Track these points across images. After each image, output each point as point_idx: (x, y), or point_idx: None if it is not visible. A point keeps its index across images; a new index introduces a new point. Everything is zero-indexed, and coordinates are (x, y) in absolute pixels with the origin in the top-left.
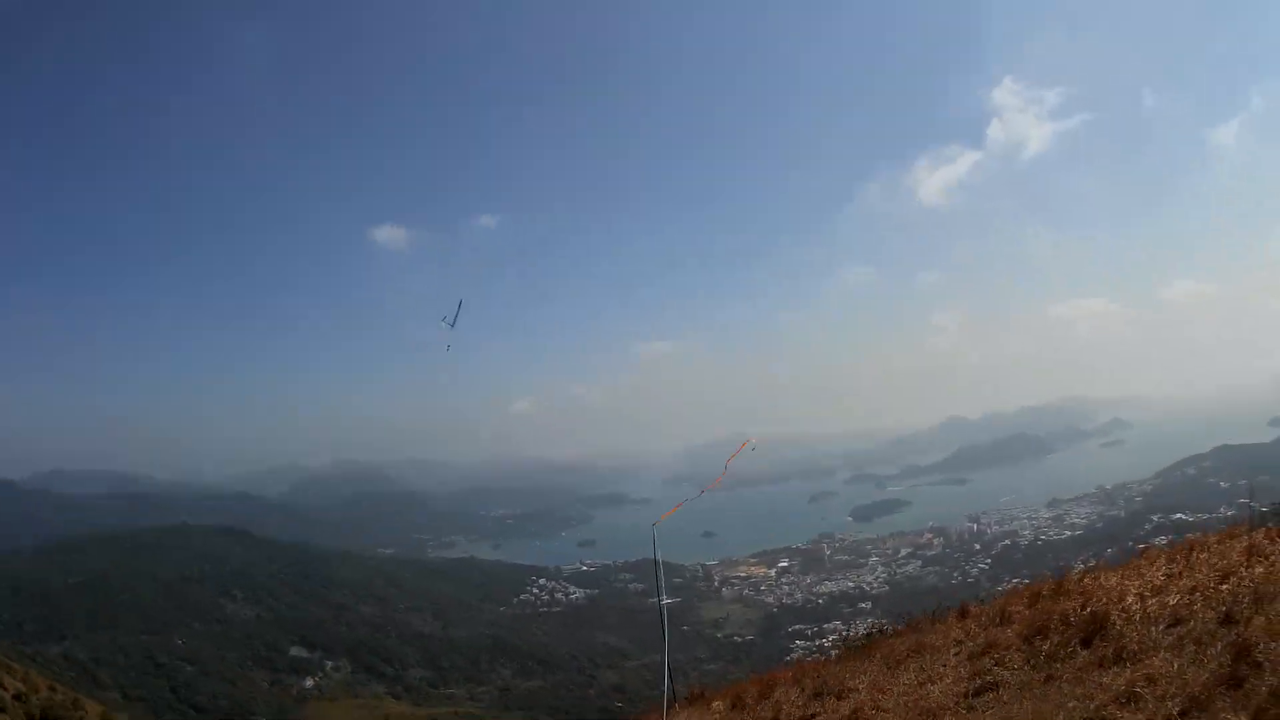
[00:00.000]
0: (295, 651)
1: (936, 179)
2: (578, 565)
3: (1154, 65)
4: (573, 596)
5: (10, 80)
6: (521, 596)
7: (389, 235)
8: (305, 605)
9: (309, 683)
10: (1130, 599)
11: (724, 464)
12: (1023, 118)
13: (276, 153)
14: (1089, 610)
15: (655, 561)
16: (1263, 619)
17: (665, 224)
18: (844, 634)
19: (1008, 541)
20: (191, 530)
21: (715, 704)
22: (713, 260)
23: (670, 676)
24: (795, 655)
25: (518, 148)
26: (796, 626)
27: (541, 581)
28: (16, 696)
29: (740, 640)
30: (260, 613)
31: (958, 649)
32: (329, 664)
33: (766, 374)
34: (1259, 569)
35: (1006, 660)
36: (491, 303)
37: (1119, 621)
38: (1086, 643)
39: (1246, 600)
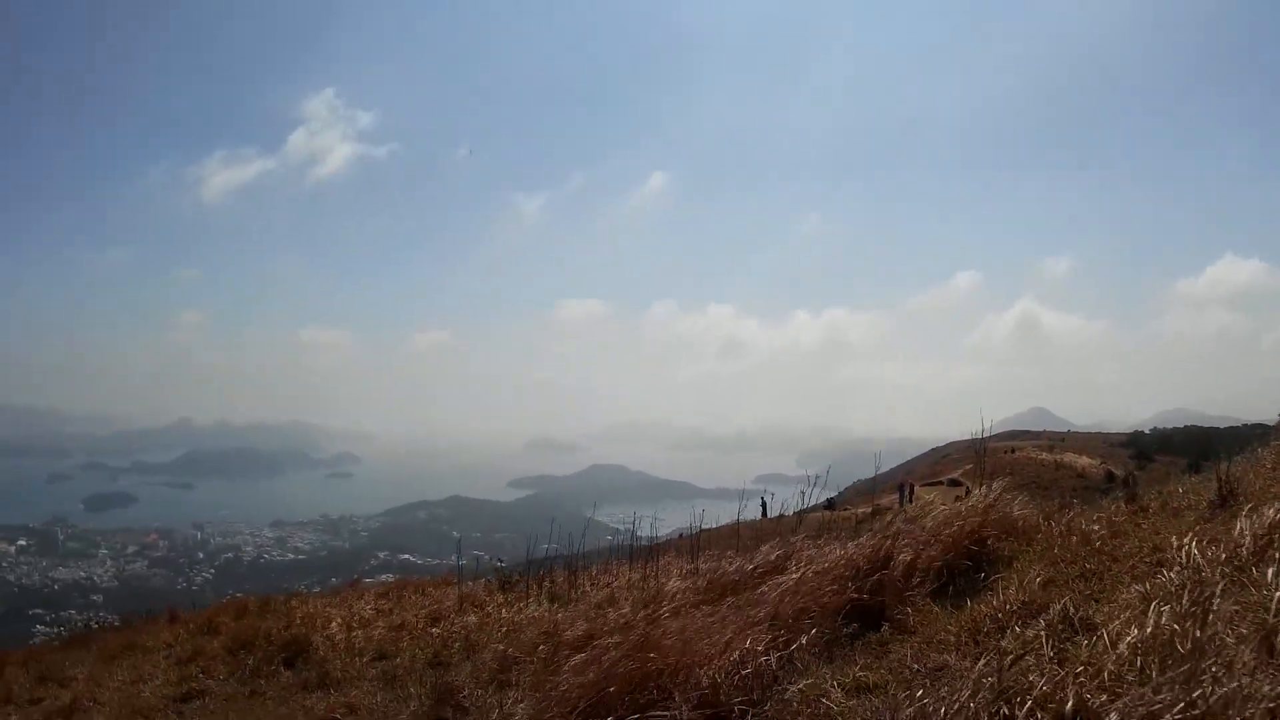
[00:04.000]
0: None
1: (223, 178)
2: None
3: (479, 121)
4: None
5: None
6: None
7: None
8: None
9: None
10: (335, 627)
11: None
12: (330, 133)
13: None
14: (291, 632)
15: None
16: (470, 666)
17: None
18: (74, 624)
19: (230, 555)
20: None
21: None
22: None
23: None
24: (39, 640)
25: None
26: (37, 610)
27: None
28: None
29: None
30: None
31: (168, 652)
32: None
33: (14, 337)
34: (472, 618)
35: (212, 669)
36: None
37: (322, 647)
38: (289, 663)
39: (457, 646)
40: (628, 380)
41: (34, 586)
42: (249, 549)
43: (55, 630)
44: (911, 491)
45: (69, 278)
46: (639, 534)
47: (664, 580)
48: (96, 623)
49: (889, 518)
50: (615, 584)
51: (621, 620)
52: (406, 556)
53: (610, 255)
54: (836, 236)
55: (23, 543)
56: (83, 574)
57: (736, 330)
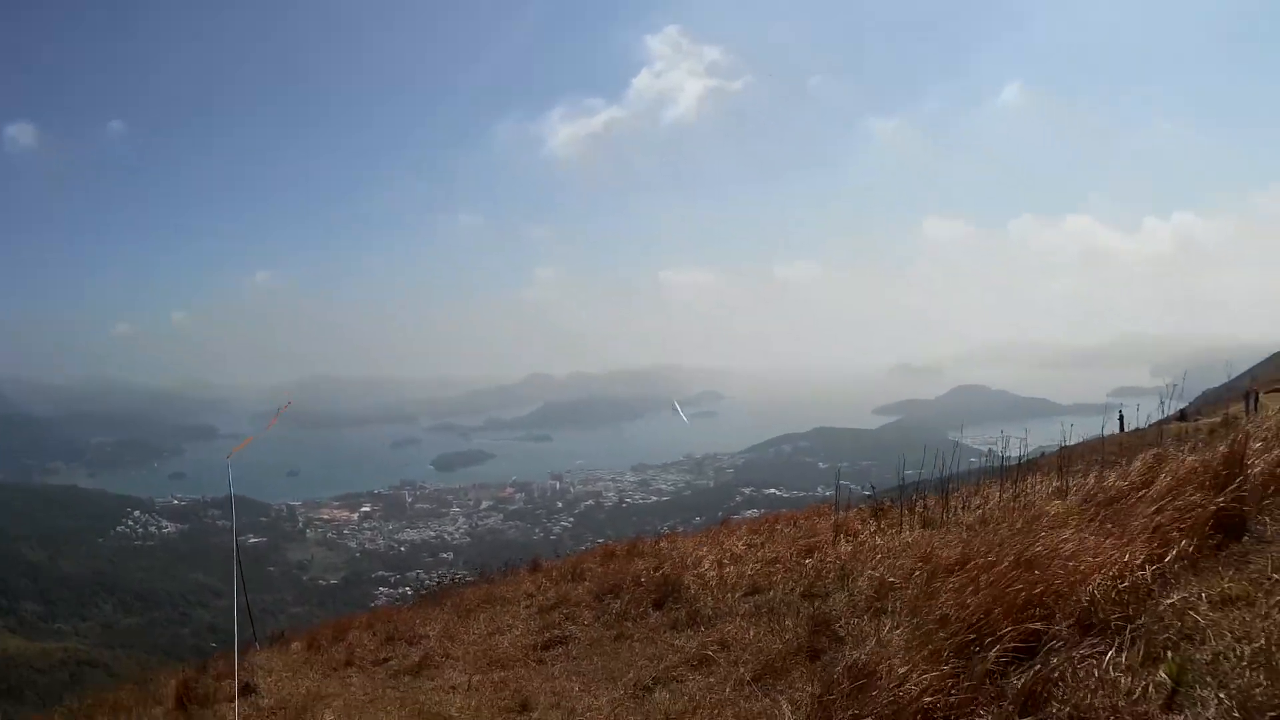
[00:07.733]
0: None
1: (568, 131)
2: (170, 499)
3: (830, 49)
4: (165, 531)
5: None
6: (119, 528)
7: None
8: None
9: None
10: (706, 565)
11: (276, 414)
12: (675, 72)
13: None
14: (661, 573)
15: (230, 499)
16: (845, 595)
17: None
18: (424, 582)
19: (591, 502)
20: None
21: (294, 645)
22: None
23: (251, 617)
24: (380, 602)
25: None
26: (380, 573)
27: (136, 514)
28: None
29: (325, 584)
30: None
31: (529, 602)
32: None
33: (360, 312)
34: (846, 547)
35: (577, 616)
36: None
37: (693, 586)
38: (659, 604)
39: (831, 576)
40: (989, 298)
41: (378, 550)
42: (610, 495)
43: (398, 591)
44: (1256, 399)
45: (418, 248)
46: (1006, 454)
47: (1034, 499)
48: (451, 579)
49: (1244, 426)
50: (987, 505)
51: (997, 540)
52: (772, 491)
53: (967, 173)
54: (1182, 139)
55: (366, 509)
56: (432, 534)
57: (1094, 241)
